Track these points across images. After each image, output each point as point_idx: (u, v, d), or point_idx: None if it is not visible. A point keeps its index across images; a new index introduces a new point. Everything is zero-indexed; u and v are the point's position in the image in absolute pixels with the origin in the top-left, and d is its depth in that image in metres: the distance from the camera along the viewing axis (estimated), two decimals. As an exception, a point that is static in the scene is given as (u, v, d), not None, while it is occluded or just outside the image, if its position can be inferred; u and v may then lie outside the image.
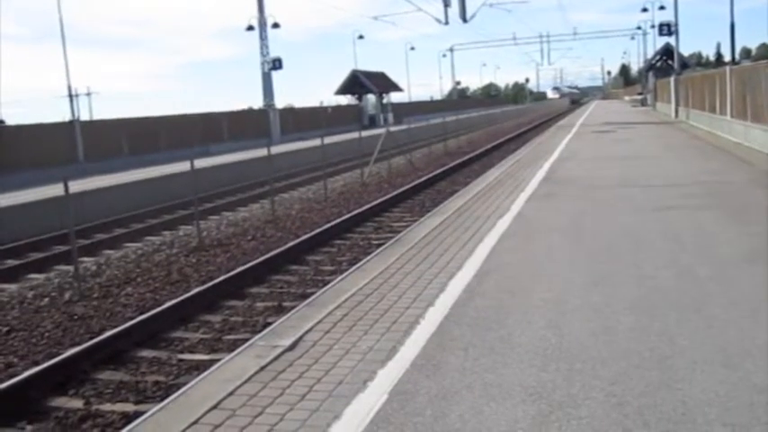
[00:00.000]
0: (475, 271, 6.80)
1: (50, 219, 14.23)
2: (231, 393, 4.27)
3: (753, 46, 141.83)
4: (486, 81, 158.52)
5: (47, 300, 9.53)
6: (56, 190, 11.46)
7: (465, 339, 4.89)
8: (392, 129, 29.72)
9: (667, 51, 45.34)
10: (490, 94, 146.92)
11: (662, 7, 46.44)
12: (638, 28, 69.13)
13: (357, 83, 53.12)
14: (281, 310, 7.98)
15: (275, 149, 21.79)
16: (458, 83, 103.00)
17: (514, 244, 8.03)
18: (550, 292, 5.93)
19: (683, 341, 4.59)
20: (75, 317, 8.62)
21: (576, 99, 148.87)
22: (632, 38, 79.62)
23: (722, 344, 4.51)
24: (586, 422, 3.56)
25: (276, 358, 4.82)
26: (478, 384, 4.10)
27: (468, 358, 4.53)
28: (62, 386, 6.31)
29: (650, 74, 54.98)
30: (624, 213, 9.48)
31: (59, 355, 6.99)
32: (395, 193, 17.60)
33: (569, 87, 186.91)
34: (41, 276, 11.18)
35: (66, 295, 9.64)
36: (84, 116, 51.89)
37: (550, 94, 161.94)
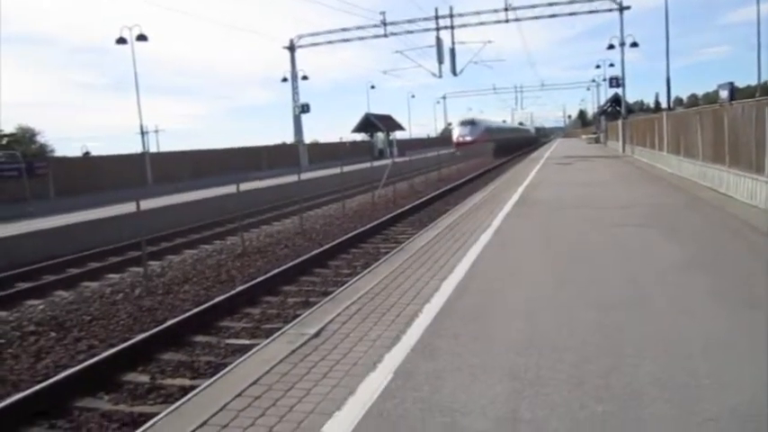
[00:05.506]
0: (463, 274, 6.77)
1: (126, 230, 14.31)
2: (268, 372, 4.25)
3: (684, 96, 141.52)
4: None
5: (121, 295, 9.52)
6: (130, 207, 11.49)
7: (455, 330, 4.85)
8: (397, 160, 29.70)
9: (616, 99, 45.22)
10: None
11: (611, 65, 47.31)
12: (593, 81, 69.08)
13: (369, 123, 53.18)
14: (307, 305, 7.94)
15: (304, 176, 21.93)
16: (449, 124, 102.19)
17: (495, 253, 7.99)
18: (524, 291, 5.89)
19: (631, 332, 4.55)
20: (144, 309, 8.61)
21: (514, 141, 63.37)
22: (588, 89, 79.33)
23: (663, 334, 4.46)
24: (552, 397, 3.53)
25: (304, 344, 4.80)
26: (466, 366, 4.07)
27: (457, 345, 4.49)
28: (132, 364, 6.31)
29: (602, 117, 55.04)
30: (583, 228, 9.42)
31: (131, 339, 6.98)
32: (399, 211, 17.49)
33: (520, 124, 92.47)
34: (117, 276, 11.19)
35: (137, 291, 9.64)
36: (153, 149, 52.00)
37: (457, 133, 49.66)
